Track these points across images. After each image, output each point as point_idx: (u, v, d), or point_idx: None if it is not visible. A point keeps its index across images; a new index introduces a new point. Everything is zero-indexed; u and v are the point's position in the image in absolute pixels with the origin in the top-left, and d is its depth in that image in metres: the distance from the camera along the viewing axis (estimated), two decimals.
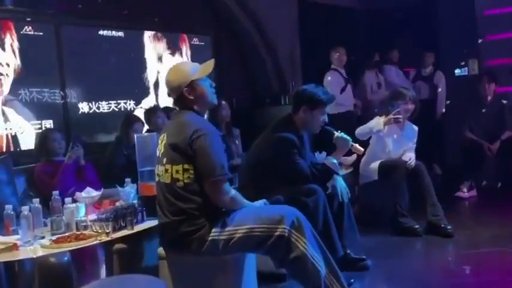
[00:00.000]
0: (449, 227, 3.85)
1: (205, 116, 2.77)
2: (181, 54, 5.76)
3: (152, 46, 5.49)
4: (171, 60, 5.57)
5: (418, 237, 3.87)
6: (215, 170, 2.27)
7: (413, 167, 4.02)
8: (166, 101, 5.38)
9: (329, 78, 5.56)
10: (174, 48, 5.70)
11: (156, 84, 5.47)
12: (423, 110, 4.45)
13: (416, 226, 3.90)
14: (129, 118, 4.37)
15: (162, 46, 5.62)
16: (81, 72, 4.85)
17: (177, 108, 2.50)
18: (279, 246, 2.30)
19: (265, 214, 2.35)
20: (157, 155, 2.46)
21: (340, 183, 3.16)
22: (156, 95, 5.47)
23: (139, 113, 5.00)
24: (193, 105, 2.43)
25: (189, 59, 5.71)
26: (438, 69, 6.35)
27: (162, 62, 5.58)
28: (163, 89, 5.49)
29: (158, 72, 5.47)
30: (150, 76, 5.45)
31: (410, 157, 4.07)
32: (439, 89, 6.24)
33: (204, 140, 2.28)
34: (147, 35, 5.45)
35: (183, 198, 2.31)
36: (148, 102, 5.39)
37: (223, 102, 4.71)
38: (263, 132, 3.21)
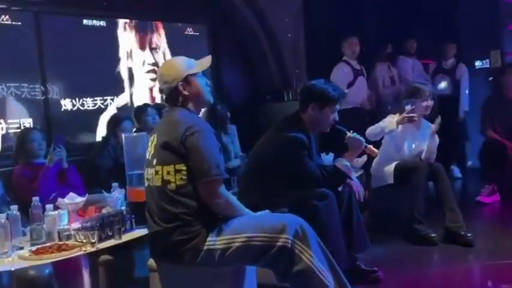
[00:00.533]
0: (469, 235, 3.84)
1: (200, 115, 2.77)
2: (154, 46, 5.70)
3: (133, 37, 5.49)
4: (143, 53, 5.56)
5: (435, 246, 3.86)
6: (210, 169, 2.28)
7: (432, 167, 4.01)
8: (141, 98, 5.36)
9: (336, 71, 5.59)
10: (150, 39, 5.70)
11: (131, 80, 5.44)
12: (443, 107, 4.43)
13: (433, 235, 3.89)
14: (117, 116, 4.38)
15: (150, 37, 5.64)
16: (63, 65, 4.85)
17: (168, 106, 2.51)
18: (281, 258, 2.29)
19: (266, 222, 2.35)
20: (147, 157, 2.47)
21: (356, 186, 3.17)
22: (131, 93, 5.45)
23: (112, 111, 4.99)
24: (187, 101, 2.46)
25: (165, 52, 5.69)
26: (460, 61, 6.32)
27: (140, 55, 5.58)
28: (138, 85, 5.45)
29: (129, 68, 5.45)
30: (126, 70, 5.41)
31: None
32: (462, 84, 6.21)
33: (198, 137, 2.30)
34: (133, 24, 5.45)
35: (175, 202, 2.31)
36: (123, 98, 5.35)
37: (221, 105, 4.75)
38: (266, 132, 3.21)
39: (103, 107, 5.23)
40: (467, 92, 6.25)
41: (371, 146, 3.20)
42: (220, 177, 2.30)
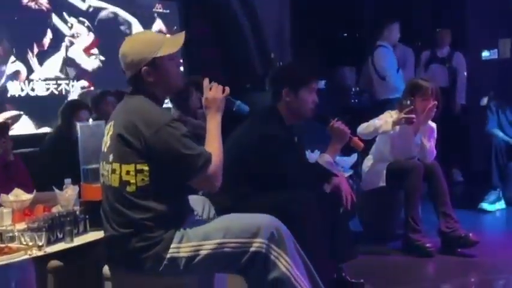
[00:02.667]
0: (471, 234, 3.90)
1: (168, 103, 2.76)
2: None
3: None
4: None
5: (430, 257, 3.92)
6: (194, 163, 2.28)
7: (427, 166, 4.06)
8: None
9: (382, 55, 5.84)
10: None
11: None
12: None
13: (428, 244, 3.95)
14: (72, 104, 4.37)
15: None
16: (9, 43, 4.81)
17: (131, 89, 2.48)
18: (255, 265, 2.32)
19: (238, 225, 2.36)
20: (102, 149, 2.45)
21: (345, 185, 3.18)
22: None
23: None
24: (151, 88, 2.42)
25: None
26: (456, 49, 6.41)
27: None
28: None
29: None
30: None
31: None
32: (460, 75, 6.32)
33: (162, 135, 2.27)
34: None
35: (135, 207, 2.31)
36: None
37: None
38: (240, 126, 3.23)
39: (56, 92, 5.21)
40: (464, 83, 6.35)
41: (356, 138, 3.24)
42: (204, 162, 2.30)
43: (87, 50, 5.54)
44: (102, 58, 5.62)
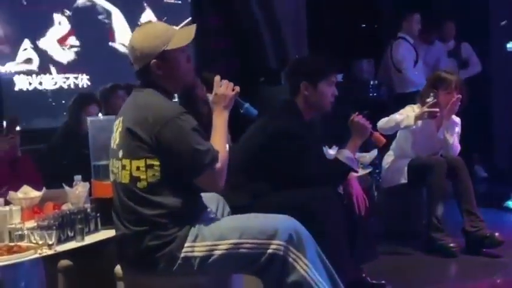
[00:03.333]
0: (496, 233, 3.88)
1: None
2: None
3: None
4: None
5: (454, 258, 3.90)
6: (202, 157, 2.28)
7: (450, 163, 4.03)
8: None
9: (398, 48, 5.86)
10: None
11: None
12: None
13: (452, 244, 3.94)
14: (81, 98, 4.38)
15: None
16: (17, 35, 4.83)
17: (139, 83, 2.48)
18: (272, 268, 2.31)
19: (256, 226, 2.35)
20: (111, 146, 2.46)
21: (357, 188, 3.17)
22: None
23: None
24: (161, 81, 2.42)
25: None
26: (461, 40, 6.38)
27: None
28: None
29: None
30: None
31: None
32: (473, 65, 6.29)
33: (172, 128, 2.27)
34: None
35: (147, 203, 2.31)
36: None
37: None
38: (256, 121, 3.22)
39: (65, 87, 5.23)
40: (479, 69, 6.27)
41: (377, 133, 3.22)
42: (211, 160, 2.29)
43: (61, 41, 5.33)
44: (80, 50, 5.41)
